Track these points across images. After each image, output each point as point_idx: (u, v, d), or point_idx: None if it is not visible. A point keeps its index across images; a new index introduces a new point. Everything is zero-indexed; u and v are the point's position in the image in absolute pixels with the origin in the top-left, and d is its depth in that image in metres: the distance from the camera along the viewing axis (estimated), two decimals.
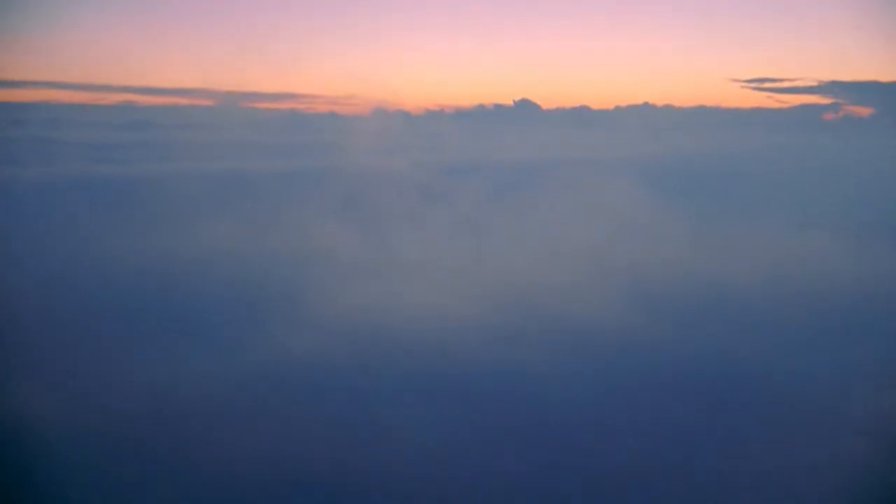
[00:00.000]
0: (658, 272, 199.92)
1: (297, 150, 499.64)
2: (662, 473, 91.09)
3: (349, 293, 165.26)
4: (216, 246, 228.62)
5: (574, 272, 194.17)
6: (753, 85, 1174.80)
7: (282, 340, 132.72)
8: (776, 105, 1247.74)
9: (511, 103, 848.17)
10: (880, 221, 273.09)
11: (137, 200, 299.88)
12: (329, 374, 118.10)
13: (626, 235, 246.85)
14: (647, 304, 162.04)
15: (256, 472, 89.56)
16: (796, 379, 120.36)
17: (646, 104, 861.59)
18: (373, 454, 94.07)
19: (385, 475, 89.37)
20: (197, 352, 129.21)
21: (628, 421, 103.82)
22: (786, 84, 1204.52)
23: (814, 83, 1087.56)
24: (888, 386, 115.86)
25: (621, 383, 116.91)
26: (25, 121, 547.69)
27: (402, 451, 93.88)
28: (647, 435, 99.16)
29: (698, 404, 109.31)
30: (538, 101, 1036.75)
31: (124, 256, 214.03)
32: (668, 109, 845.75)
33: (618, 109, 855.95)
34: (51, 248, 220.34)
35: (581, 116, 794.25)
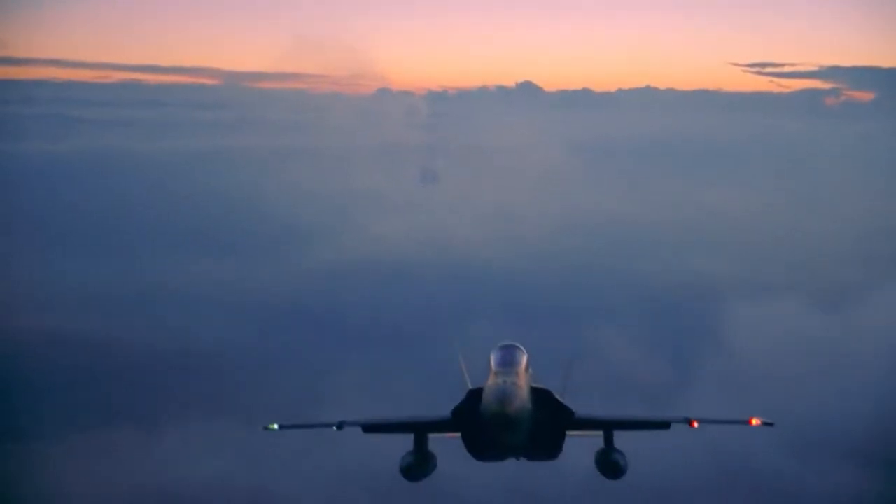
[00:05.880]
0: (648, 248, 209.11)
1: (301, 129, 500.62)
2: None
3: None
4: (219, 220, 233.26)
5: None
6: (755, 69, 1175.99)
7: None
8: (777, 89, 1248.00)
9: (514, 85, 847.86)
10: (879, 204, 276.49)
11: (146, 175, 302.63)
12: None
13: (620, 214, 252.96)
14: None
15: None
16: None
17: (648, 87, 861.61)
18: None
19: None
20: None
21: None
22: (787, 69, 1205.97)
23: (815, 68, 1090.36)
24: None
25: None
26: (35, 98, 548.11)
27: None
28: None
29: None
30: (541, 84, 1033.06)
31: (131, 233, 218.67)
32: (670, 92, 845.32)
33: (620, 92, 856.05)
34: (58, 224, 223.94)
35: (583, 99, 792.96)
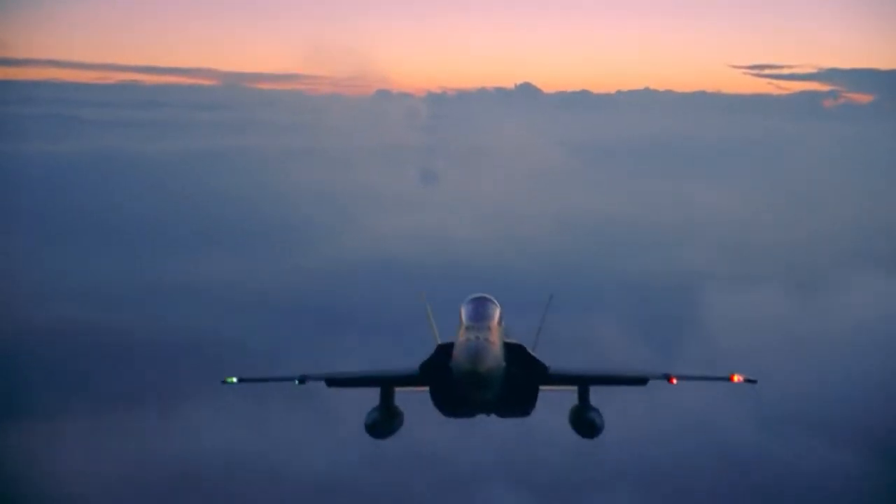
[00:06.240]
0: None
1: (300, 130, 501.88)
2: None
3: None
4: (219, 221, 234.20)
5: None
6: (754, 71, 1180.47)
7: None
8: (776, 91, 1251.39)
9: (513, 86, 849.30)
10: (878, 205, 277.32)
11: (145, 176, 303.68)
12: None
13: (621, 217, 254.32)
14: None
15: None
16: None
17: (647, 89, 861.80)
18: None
19: None
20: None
21: None
22: (785, 71, 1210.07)
23: (814, 70, 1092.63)
24: None
25: None
26: (35, 98, 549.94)
27: None
28: None
29: None
30: (539, 85, 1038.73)
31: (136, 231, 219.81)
32: (669, 94, 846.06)
33: (619, 93, 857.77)
34: (57, 224, 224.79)
35: (582, 100, 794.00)
